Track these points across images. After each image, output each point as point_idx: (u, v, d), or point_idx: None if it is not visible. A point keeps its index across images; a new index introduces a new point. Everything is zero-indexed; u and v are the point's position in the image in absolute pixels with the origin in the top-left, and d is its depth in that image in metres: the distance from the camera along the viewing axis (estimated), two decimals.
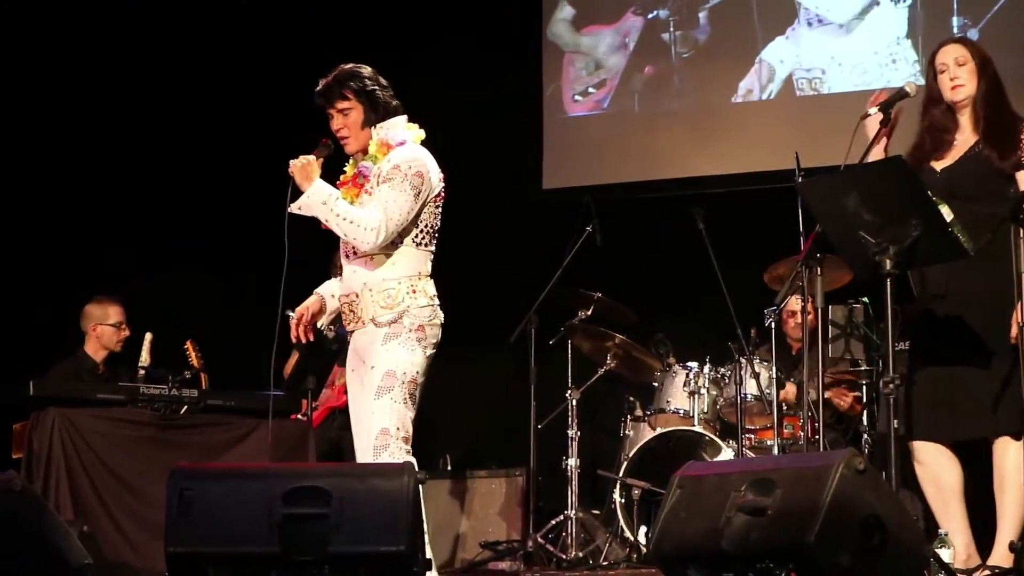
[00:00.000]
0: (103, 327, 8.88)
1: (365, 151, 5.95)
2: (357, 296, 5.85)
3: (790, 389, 8.30)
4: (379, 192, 5.79)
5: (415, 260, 5.86)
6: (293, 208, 5.82)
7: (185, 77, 10.38)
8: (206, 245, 10.29)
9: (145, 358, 8.27)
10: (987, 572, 5.87)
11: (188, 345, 8.63)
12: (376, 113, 5.92)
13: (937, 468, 6.04)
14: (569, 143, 10.48)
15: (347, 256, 5.94)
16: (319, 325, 6.10)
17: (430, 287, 5.88)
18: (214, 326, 9.57)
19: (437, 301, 5.88)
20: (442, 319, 5.88)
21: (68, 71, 10.08)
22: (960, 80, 6.06)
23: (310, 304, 6.03)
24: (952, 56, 6.09)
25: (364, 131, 5.92)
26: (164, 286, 9.97)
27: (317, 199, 5.77)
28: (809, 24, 9.87)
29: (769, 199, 8.71)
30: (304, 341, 6.04)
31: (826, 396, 8.01)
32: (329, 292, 6.06)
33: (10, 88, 9.87)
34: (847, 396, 8.31)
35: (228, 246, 10.14)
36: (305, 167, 5.81)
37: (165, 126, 10.31)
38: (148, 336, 8.34)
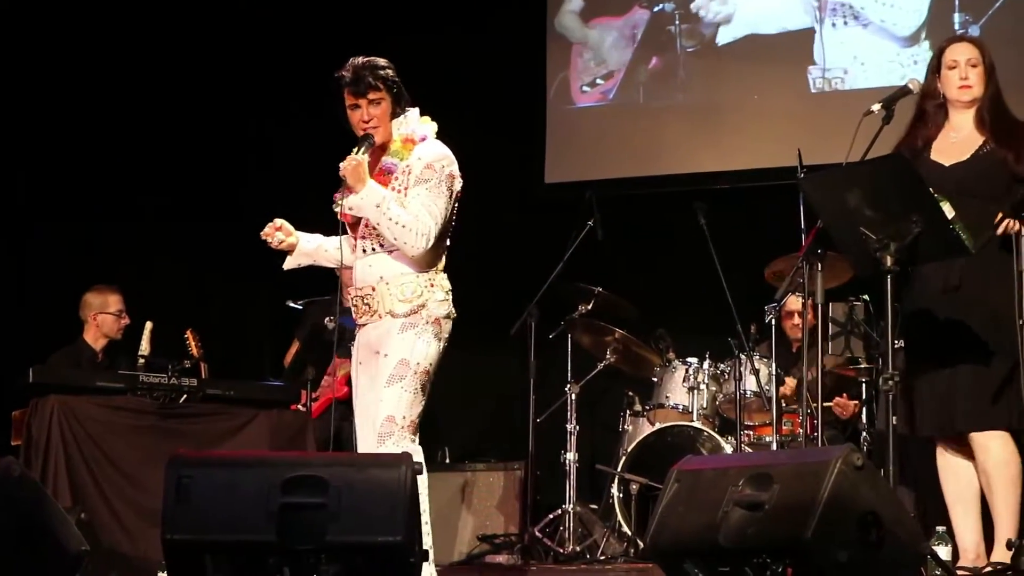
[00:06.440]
0: (104, 315, 8.85)
1: (385, 145, 5.86)
2: (373, 289, 5.78)
3: (789, 384, 8.31)
4: (418, 195, 5.72)
5: (433, 255, 5.79)
6: (345, 208, 5.77)
7: (183, 66, 10.33)
8: (207, 234, 10.27)
9: (145, 347, 8.26)
10: (988, 569, 5.87)
11: (188, 334, 8.62)
12: (400, 105, 5.83)
13: (952, 465, 6.06)
14: (572, 137, 10.47)
15: (364, 251, 5.85)
16: (285, 262, 6.03)
17: (446, 282, 5.84)
18: (214, 316, 9.56)
19: (451, 296, 5.84)
20: (455, 314, 5.83)
21: (68, 61, 10.03)
22: (969, 82, 6.03)
23: (288, 233, 5.93)
24: (965, 56, 6.04)
25: (389, 123, 5.82)
26: (164, 275, 9.96)
27: (371, 201, 5.69)
28: (833, 25, 9.85)
29: (771, 195, 8.71)
30: (274, 246, 5.93)
31: (828, 405, 8.01)
32: (307, 240, 5.96)
33: (7, 78, 9.85)
34: (849, 406, 8.30)
35: (229, 235, 10.11)
36: (356, 168, 5.69)
37: (162, 114, 10.26)
38: (148, 325, 8.33)
